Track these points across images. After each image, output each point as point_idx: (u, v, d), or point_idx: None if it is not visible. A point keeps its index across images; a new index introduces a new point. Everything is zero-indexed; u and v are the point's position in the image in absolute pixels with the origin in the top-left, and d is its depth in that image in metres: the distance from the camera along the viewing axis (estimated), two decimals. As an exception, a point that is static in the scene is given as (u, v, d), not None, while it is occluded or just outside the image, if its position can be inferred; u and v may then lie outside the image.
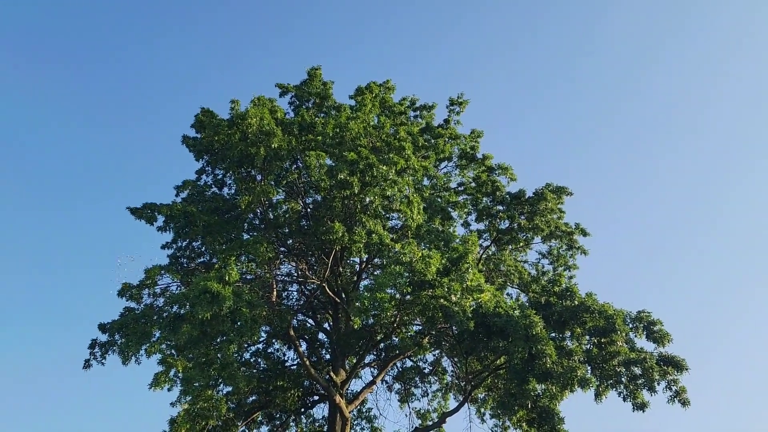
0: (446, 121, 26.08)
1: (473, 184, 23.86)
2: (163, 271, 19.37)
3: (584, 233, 23.00)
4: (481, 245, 24.42)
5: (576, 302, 15.92)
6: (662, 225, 66.61)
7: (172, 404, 18.73)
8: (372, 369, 24.51)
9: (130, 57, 72.16)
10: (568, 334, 16.09)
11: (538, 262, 24.54)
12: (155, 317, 17.96)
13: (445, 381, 25.71)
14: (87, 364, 18.19)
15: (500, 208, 22.52)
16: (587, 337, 15.77)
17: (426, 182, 24.41)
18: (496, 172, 23.56)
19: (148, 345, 17.78)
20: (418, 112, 27.05)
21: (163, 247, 22.79)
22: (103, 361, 18.16)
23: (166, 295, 19.24)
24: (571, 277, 23.76)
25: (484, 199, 23.00)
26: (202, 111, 21.75)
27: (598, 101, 73.90)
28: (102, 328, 18.48)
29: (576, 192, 22.19)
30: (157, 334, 17.62)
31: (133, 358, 17.76)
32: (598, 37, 74.42)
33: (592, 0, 73.95)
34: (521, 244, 22.90)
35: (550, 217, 22.06)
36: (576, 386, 13.98)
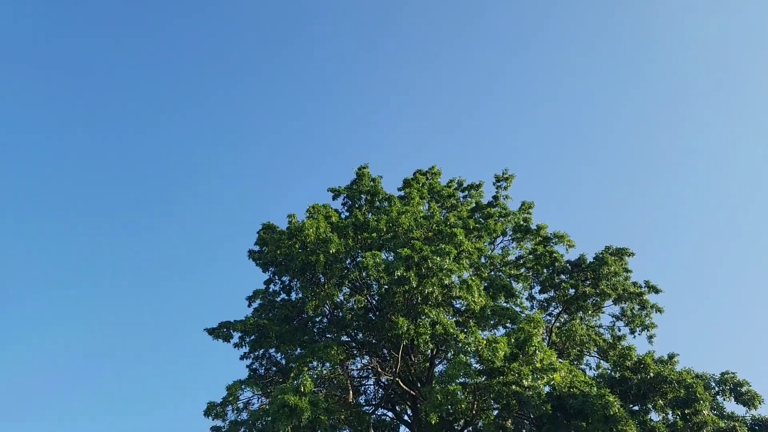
0: (495, 197, 26.54)
1: (531, 257, 23.90)
2: (243, 386, 20.26)
3: (656, 290, 22.39)
4: (551, 314, 24.13)
5: (651, 374, 15.45)
6: (741, 272, 62.63)
7: None
8: (460, 457, 24.00)
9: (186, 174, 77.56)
10: (650, 406, 15.50)
11: (613, 326, 23.89)
12: (241, 434, 18.64)
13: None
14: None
15: (563, 277, 22.37)
16: (670, 410, 15.13)
17: (483, 260, 24.65)
18: (553, 241, 23.57)
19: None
20: (466, 192, 27.71)
21: (241, 358, 23.73)
22: (198, 482, 18.79)
23: (251, 410, 20.01)
24: (651, 337, 22.95)
25: (545, 270, 22.94)
26: (264, 227, 23.29)
27: (652, 155, 72.10)
28: (193, 449, 19.32)
29: (644, 248, 21.85)
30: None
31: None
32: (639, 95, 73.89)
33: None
34: (590, 310, 22.47)
35: (615, 280, 21.71)
36: (664, 466, 13.38)
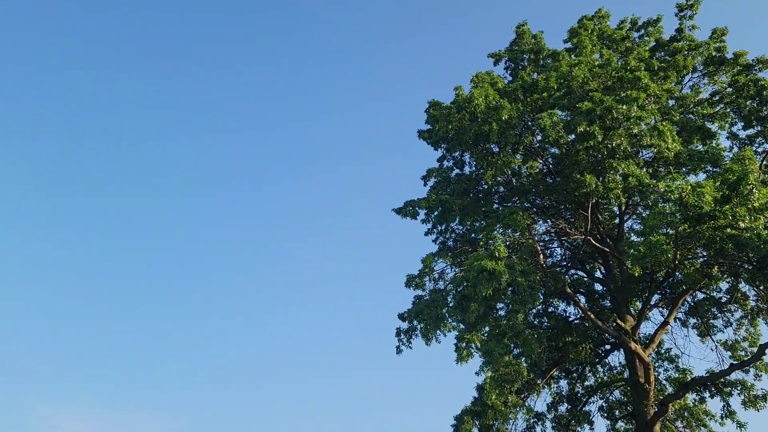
0: (679, 30, 23.44)
1: (729, 90, 21.16)
2: (436, 258, 21.37)
3: None
4: (756, 152, 21.60)
5: None
6: None
7: (477, 373, 20.60)
8: (660, 309, 23.53)
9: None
10: None
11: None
12: (442, 300, 19.91)
13: (749, 307, 23.41)
14: (398, 350, 20.97)
15: (772, 107, 19.63)
16: None
17: (672, 103, 22.40)
18: (756, 68, 20.54)
19: (442, 325, 19.95)
20: (642, 31, 24.81)
21: (426, 233, 24.80)
22: (410, 345, 20.74)
23: (445, 279, 21.19)
24: None
25: (748, 102, 20.26)
26: (430, 104, 23.17)
27: None
28: (401, 317, 21.12)
29: None
30: (447, 314, 19.56)
31: (433, 338, 20.04)
32: None
33: None
34: (812, 139, 19.67)
35: (843, 100, 18.56)
36: None
